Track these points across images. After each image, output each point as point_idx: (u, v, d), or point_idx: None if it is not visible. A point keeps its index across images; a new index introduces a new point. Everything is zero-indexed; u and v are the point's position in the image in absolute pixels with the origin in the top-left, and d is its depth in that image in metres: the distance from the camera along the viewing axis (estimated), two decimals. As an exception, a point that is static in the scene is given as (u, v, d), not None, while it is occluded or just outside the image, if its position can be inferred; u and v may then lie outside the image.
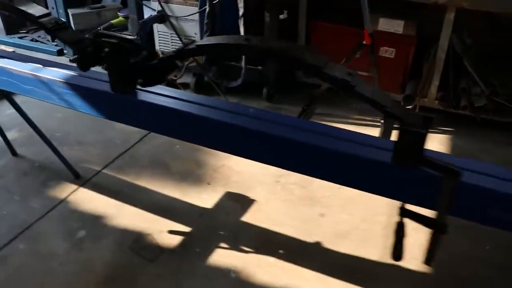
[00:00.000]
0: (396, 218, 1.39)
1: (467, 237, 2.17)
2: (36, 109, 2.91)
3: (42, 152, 2.85)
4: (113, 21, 3.89)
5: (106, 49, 1.52)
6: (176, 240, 2.24)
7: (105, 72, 1.59)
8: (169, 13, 3.30)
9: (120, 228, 2.30)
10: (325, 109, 3.30)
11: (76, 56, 1.63)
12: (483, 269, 2.10)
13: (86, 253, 2.18)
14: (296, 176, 2.58)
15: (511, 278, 2.07)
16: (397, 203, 2.42)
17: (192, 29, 3.29)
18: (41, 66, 1.85)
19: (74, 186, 2.59)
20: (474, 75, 2.90)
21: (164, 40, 3.44)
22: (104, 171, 2.73)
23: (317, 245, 2.22)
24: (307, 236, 2.26)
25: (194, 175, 2.68)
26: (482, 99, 2.88)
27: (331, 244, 2.22)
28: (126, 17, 3.90)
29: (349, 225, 2.33)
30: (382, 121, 3.10)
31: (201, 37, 3.23)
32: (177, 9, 3.28)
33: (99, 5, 4.01)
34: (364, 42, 2.87)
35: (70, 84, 1.70)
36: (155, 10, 3.34)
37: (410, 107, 3.13)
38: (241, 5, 2.93)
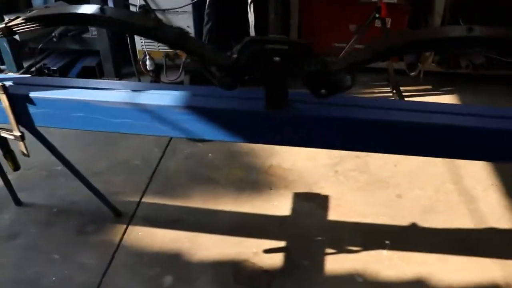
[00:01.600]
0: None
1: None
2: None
3: (52, 193, 2.33)
4: (66, 24, 3.23)
5: (276, 58, 1.20)
6: (277, 258, 1.98)
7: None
8: (153, 6, 2.83)
9: (209, 262, 1.97)
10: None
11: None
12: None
13: (186, 300, 1.82)
14: (349, 162, 2.50)
15: None
16: (453, 168, 2.45)
17: (184, 22, 2.87)
18: (129, 91, 1.43)
19: (121, 226, 2.14)
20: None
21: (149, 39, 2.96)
22: (145, 200, 2.30)
23: (414, 226, 2.14)
24: (399, 219, 2.17)
25: (248, 183, 2.39)
26: (479, 57, 3.01)
27: (424, 221, 2.16)
28: (80, 18, 3.27)
29: (428, 199, 2.29)
30: (394, 91, 3.09)
31: (197, 30, 2.85)
32: (163, 1, 2.83)
33: (41, 6, 3.29)
34: (377, 15, 2.79)
35: (196, 108, 1.34)
36: (135, 5, 2.84)
37: (414, 73, 3.16)
38: (250, -12, 2.62)
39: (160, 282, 1.88)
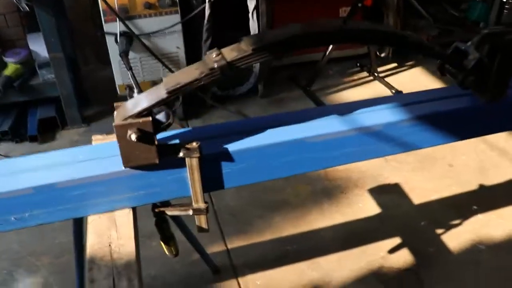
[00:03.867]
0: None
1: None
2: None
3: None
4: (7, 73, 2.62)
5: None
6: (406, 255, 2.01)
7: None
8: (136, 32, 2.49)
9: (350, 282, 1.87)
10: (316, 84, 3.23)
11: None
12: None
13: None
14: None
15: None
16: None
17: (172, 43, 2.60)
18: (335, 115, 1.27)
19: (231, 282, 1.89)
20: (421, 10, 3.37)
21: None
22: (230, 245, 2.06)
23: (482, 186, 2.36)
24: (466, 184, 2.38)
25: (319, 194, 2.35)
26: (433, 29, 3.40)
27: (486, 179, 2.40)
28: (20, 63, 2.70)
29: (474, 161, 2.55)
30: (375, 74, 3.29)
31: (188, 49, 2.62)
32: (146, 24, 2.51)
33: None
34: (360, 4, 2.92)
35: (421, 117, 1.26)
36: (114, 33, 2.46)
37: (384, 54, 3.40)
38: (251, -4, 2.49)
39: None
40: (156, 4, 2.49)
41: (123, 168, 1.09)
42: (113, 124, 1.02)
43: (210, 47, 2.59)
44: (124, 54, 2.39)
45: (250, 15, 2.57)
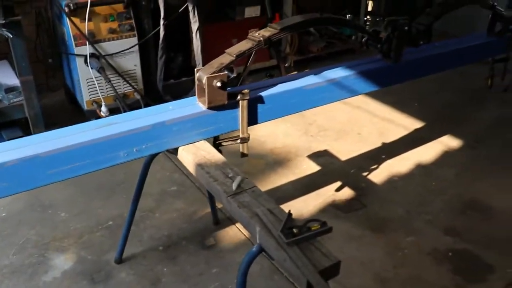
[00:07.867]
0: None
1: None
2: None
3: (138, 239, 2.51)
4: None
5: (406, 28, 2.23)
6: (347, 190, 2.92)
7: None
8: (103, 53, 3.11)
9: (317, 211, 2.73)
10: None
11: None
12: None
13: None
14: (311, 128, 3.60)
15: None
16: (359, 108, 3.85)
17: (132, 62, 3.25)
18: (312, 75, 2.16)
19: (231, 228, 2.60)
20: (311, 29, 4.53)
21: (94, 87, 3.17)
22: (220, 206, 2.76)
23: (384, 143, 3.43)
24: (372, 144, 3.42)
25: (273, 164, 3.17)
26: (321, 41, 4.59)
27: (385, 138, 3.48)
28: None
29: (374, 129, 3.63)
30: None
31: (144, 66, 3.32)
32: (110, 47, 3.14)
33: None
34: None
35: (361, 73, 2.22)
36: (83, 55, 3.05)
37: (287, 64, 4.45)
38: (195, 19, 3.29)
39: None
40: (117, 29, 3.15)
41: (205, 108, 1.82)
42: (205, 76, 1.76)
43: (165, 62, 3.34)
44: (102, 70, 2.99)
45: (193, 34, 3.37)
